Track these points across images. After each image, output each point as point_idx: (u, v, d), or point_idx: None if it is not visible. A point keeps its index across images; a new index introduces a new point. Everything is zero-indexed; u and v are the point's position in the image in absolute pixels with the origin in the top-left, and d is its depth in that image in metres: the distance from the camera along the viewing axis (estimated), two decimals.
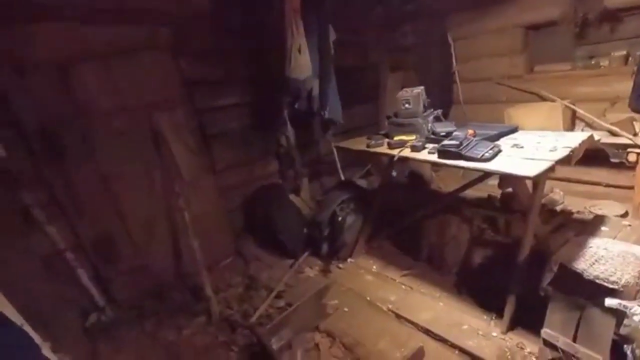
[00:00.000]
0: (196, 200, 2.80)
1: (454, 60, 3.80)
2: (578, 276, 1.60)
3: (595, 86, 3.04)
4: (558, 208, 2.92)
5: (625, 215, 2.69)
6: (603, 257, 1.63)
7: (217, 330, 2.30)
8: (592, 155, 2.16)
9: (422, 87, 2.44)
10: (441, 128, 2.28)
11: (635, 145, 2.47)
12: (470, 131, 2.14)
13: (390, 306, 2.27)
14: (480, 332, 1.97)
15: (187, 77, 2.75)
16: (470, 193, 3.10)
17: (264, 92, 2.99)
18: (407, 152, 2.20)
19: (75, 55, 2.24)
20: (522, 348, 1.84)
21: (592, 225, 2.00)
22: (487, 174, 2.31)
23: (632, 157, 2.52)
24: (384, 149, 2.36)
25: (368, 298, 2.38)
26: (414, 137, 2.34)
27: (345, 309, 2.31)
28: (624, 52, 2.89)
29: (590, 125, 2.99)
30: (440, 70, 3.87)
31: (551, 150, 1.85)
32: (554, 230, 2.61)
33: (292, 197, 3.32)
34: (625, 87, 2.76)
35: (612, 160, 2.62)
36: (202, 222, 2.74)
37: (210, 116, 2.93)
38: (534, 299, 1.96)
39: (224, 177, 3.05)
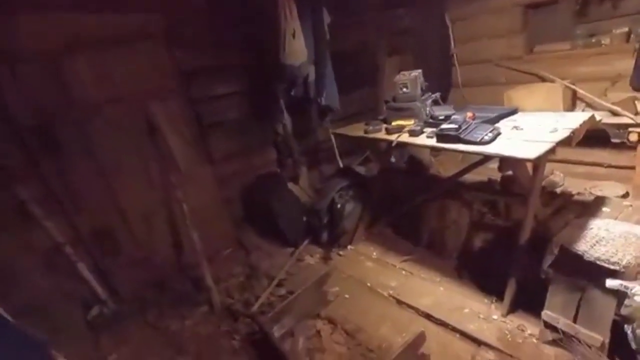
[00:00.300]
0: (194, 191, 2.78)
1: (452, 42, 3.72)
2: (579, 258, 1.59)
3: (596, 65, 2.98)
4: (558, 190, 2.90)
5: (626, 195, 2.67)
6: (604, 239, 1.62)
7: (219, 320, 2.32)
8: (592, 136, 2.13)
9: (419, 70, 2.39)
10: (440, 112, 2.25)
11: (637, 125, 2.44)
12: (470, 114, 2.10)
13: (391, 292, 2.28)
14: (481, 316, 1.98)
15: (182, 66, 2.69)
16: (470, 177, 3.07)
17: (259, 80, 2.94)
18: (405, 137, 2.17)
19: (67, 45, 2.19)
20: (522, 330, 1.85)
21: (593, 207, 1.98)
22: (487, 158, 2.28)
23: (633, 137, 2.49)
24: (382, 135, 2.33)
25: (369, 284, 2.39)
26: (412, 121, 2.31)
27: (346, 296, 2.32)
28: (626, 29, 2.82)
29: (590, 106, 2.94)
30: (439, 53, 3.80)
31: (551, 132, 1.82)
32: (555, 213, 2.59)
33: (290, 185, 3.30)
34: (627, 65, 2.71)
35: (613, 140, 2.59)
36: (201, 213, 2.73)
37: (206, 106, 2.88)
38: (535, 282, 1.96)
39: (221, 167, 3.02)
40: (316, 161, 3.69)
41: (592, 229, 1.70)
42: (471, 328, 1.91)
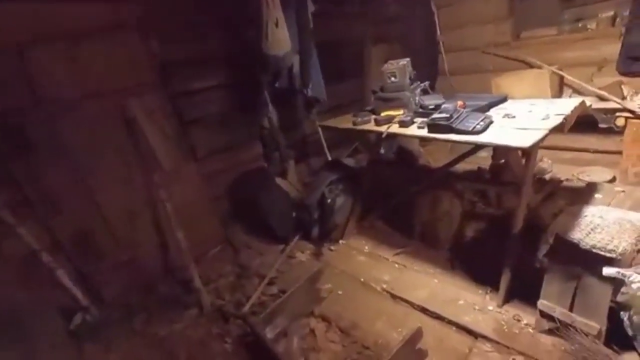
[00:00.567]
0: (178, 189, 2.68)
1: (438, 30, 3.66)
2: (574, 246, 1.57)
3: (582, 50, 2.98)
4: (547, 177, 2.91)
5: (613, 180, 2.68)
6: (599, 226, 1.61)
7: (209, 323, 2.24)
8: (580, 122, 2.11)
9: (407, 59, 2.33)
10: (429, 101, 2.20)
11: (624, 110, 2.44)
12: (460, 103, 2.06)
13: (384, 286, 2.24)
14: (477, 307, 1.96)
15: (159, 58, 2.55)
16: (460, 166, 3.04)
17: (243, 72, 2.83)
18: (395, 128, 2.11)
19: (34, 38, 2.04)
20: (518, 320, 1.83)
21: (585, 193, 1.98)
22: (478, 147, 2.24)
23: (620, 122, 2.50)
24: (371, 126, 2.27)
25: (362, 279, 2.35)
26: (401, 111, 2.26)
27: (340, 292, 2.28)
28: (612, 13, 2.81)
29: (578, 91, 2.94)
30: (425, 41, 3.74)
31: (544, 119, 1.78)
32: (545, 199, 2.60)
33: (278, 180, 3.22)
34: (613, 49, 2.71)
35: (601, 125, 2.59)
36: (186, 212, 2.64)
37: (187, 100, 2.76)
38: (529, 271, 1.95)
39: (206, 163, 2.91)
40: (304, 154, 3.62)
41: (586, 216, 1.69)
42: (467, 320, 1.88)
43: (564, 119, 1.76)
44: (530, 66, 3.18)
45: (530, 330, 1.77)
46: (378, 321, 2.01)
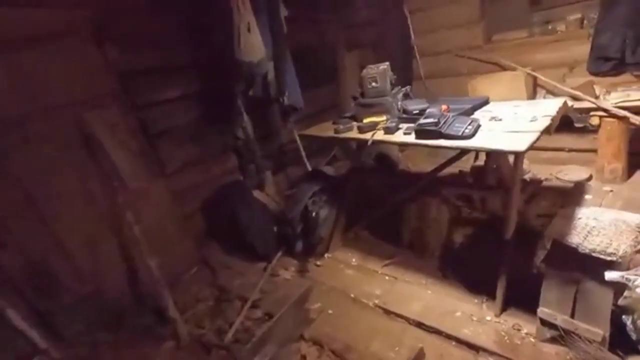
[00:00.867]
0: (147, 209, 2.45)
1: (412, 34, 3.65)
2: (573, 251, 1.53)
3: (553, 52, 3.04)
4: (527, 177, 2.92)
5: (589, 178, 2.72)
6: (595, 228, 1.57)
7: (188, 356, 2.03)
8: None
9: (387, 63, 2.26)
10: (413, 106, 2.13)
11: (599, 109, 2.48)
12: (444, 107, 2.00)
13: (376, 301, 2.13)
14: (475, 318, 1.88)
15: (119, 67, 2.33)
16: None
17: (214, 80, 2.64)
18: (380, 135, 2.02)
19: None
20: (518, 330, 1.77)
21: (574, 195, 1.96)
22: (465, 151, 2.19)
23: (595, 121, 2.54)
24: (354, 134, 2.17)
25: (352, 295, 2.22)
26: (384, 117, 2.17)
27: (330, 311, 2.14)
28: (579, 15, 2.89)
29: (551, 92, 2.99)
30: (399, 46, 3.71)
31: (532, 121, 1.75)
32: (528, 201, 2.59)
33: (256, 193, 3.04)
34: (583, 50, 2.77)
35: (577, 125, 2.63)
36: (157, 233, 2.42)
37: (152, 112, 2.54)
38: (524, 277, 1.91)
39: (176, 179, 2.69)
40: (281, 164, 3.46)
41: (580, 218, 1.65)
42: (466, 333, 1.80)
43: (552, 119, 1.73)
44: (504, 68, 3.22)
45: (532, 340, 1.71)
46: (373, 341, 1.88)
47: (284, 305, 2.13)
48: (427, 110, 1.97)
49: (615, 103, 2.44)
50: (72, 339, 2.18)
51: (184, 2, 2.50)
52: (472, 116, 1.97)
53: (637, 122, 2.36)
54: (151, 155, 2.54)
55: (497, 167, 1.95)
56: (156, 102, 2.55)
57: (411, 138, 1.87)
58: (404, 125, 2.01)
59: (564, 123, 2.80)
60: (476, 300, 1.99)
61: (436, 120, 1.78)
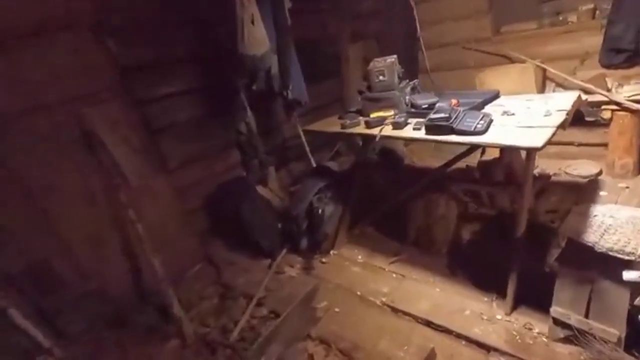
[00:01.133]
0: (150, 206, 2.42)
1: (417, 26, 3.56)
2: (588, 250, 1.48)
3: (563, 43, 2.96)
4: (536, 172, 2.86)
5: (600, 173, 2.67)
6: (611, 226, 1.52)
7: (193, 355, 2.01)
8: None
9: (394, 56, 2.20)
10: (422, 100, 2.07)
11: (610, 102, 2.41)
12: (454, 101, 1.94)
13: (384, 299, 2.10)
14: (485, 317, 1.84)
15: (119, 61, 2.27)
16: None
17: (216, 74, 2.58)
18: (388, 130, 1.97)
19: None
20: (530, 329, 1.74)
21: (589, 191, 1.91)
22: (475, 147, 2.14)
23: (606, 114, 2.48)
24: (361, 129, 2.11)
25: (359, 293, 2.19)
26: (392, 112, 2.12)
27: (337, 309, 2.11)
28: (591, 6, 2.81)
29: (561, 85, 2.92)
30: (404, 38, 3.63)
31: (546, 115, 1.70)
32: (537, 196, 2.54)
33: (259, 189, 3.00)
34: (594, 42, 2.70)
35: (587, 119, 2.57)
36: (159, 230, 2.39)
37: (154, 107, 2.49)
38: (535, 275, 1.86)
39: (179, 176, 2.65)
40: (284, 159, 3.41)
41: (596, 216, 1.60)
42: (477, 332, 1.77)
43: (567, 114, 1.68)
44: (512, 61, 3.14)
45: (544, 339, 1.67)
46: (381, 340, 1.86)
47: (290, 304, 2.10)
48: (437, 105, 1.92)
49: (628, 96, 2.38)
50: (76, 337, 2.16)
51: None
52: (483, 111, 1.92)
53: None
54: (153, 152, 2.49)
55: (507, 163, 1.90)
56: (158, 97, 2.49)
57: (421, 134, 1.82)
58: (412, 120, 1.95)
59: (574, 117, 2.76)
60: (486, 299, 1.95)
61: (447, 115, 1.73)
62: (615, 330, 1.47)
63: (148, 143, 2.45)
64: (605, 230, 1.52)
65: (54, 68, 2.00)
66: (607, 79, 2.57)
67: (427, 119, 1.78)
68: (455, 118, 1.74)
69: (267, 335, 1.84)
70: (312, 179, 2.66)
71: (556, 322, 1.64)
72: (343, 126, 2.16)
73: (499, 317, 1.83)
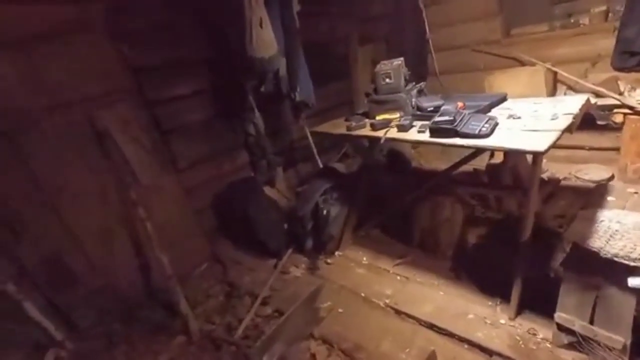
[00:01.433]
0: (159, 205, 2.48)
1: (426, 28, 3.55)
2: (594, 255, 1.47)
3: (575, 46, 2.92)
4: (545, 176, 2.83)
5: (611, 178, 2.62)
6: (618, 232, 1.50)
7: (199, 351, 2.05)
8: None
9: (401, 59, 2.20)
10: (427, 103, 2.08)
11: (623, 105, 2.37)
12: (460, 104, 1.94)
13: (387, 301, 2.10)
14: (488, 321, 1.83)
15: (131, 63, 2.34)
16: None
17: (225, 76, 2.63)
18: (394, 133, 1.98)
19: None
20: (534, 334, 1.72)
21: (596, 196, 1.88)
22: (480, 150, 2.13)
23: (618, 118, 2.43)
24: (367, 131, 2.13)
25: (362, 294, 2.20)
26: (397, 114, 2.13)
27: (340, 310, 2.12)
28: (604, 8, 2.77)
29: (572, 88, 2.88)
30: (413, 41, 3.62)
31: (552, 119, 1.68)
32: (546, 201, 2.52)
33: (267, 189, 3.04)
34: (607, 44, 2.65)
35: (599, 122, 2.52)
36: (168, 228, 2.44)
37: (164, 108, 2.54)
38: (540, 280, 1.85)
39: (188, 175, 2.70)
40: (292, 161, 3.45)
41: (602, 221, 1.58)
42: (479, 336, 1.76)
43: (574, 118, 1.66)
44: (523, 64, 3.11)
45: (548, 345, 1.66)
46: (384, 341, 1.86)
47: (294, 303, 2.12)
48: (442, 108, 1.92)
49: None
50: (86, 331, 2.22)
51: None
52: (489, 114, 1.91)
53: None
54: (163, 152, 2.55)
55: (514, 167, 1.88)
56: (168, 99, 2.55)
57: (425, 136, 1.82)
58: (418, 123, 1.96)
59: (585, 120, 2.70)
60: (490, 303, 1.94)
61: (452, 118, 1.73)
62: (621, 338, 1.45)
63: (158, 143, 2.51)
64: (611, 236, 1.50)
65: (70, 69, 2.08)
66: (619, 82, 2.52)
67: (431, 121, 1.78)
68: (460, 121, 1.73)
69: (270, 334, 1.86)
70: (319, 180, 2.68)
71: (560, 328, 1.62)
72: (349, 128, 2.18)
73: (502, 321, 1.82)
